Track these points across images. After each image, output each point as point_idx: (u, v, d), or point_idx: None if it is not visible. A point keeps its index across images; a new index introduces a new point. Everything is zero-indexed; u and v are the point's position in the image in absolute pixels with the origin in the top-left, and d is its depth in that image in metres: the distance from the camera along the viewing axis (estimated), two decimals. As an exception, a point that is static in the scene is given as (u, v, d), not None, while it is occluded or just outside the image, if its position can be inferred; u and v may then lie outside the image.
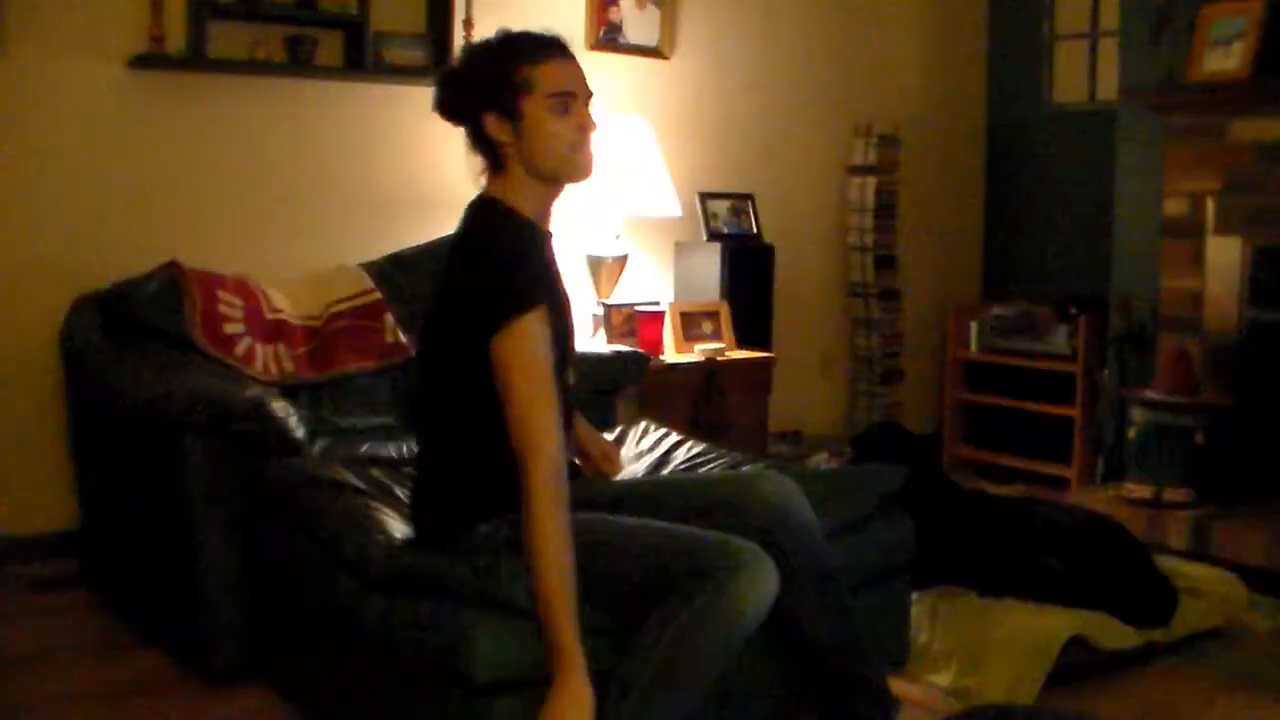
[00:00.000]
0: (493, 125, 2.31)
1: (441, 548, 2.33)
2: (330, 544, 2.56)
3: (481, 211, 2.38)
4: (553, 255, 2.42)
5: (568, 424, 2.44)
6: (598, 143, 2.38)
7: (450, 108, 2.37)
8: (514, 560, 2.18)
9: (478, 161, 2.38)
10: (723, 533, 2.22)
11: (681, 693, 2.12)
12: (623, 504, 2.42)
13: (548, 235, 2.41)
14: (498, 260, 2.26)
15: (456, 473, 2.35)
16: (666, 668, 2.10)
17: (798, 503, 2.42)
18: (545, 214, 2.40)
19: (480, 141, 2.35)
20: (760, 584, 2.14)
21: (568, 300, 2.43)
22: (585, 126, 2.33)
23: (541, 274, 2.29)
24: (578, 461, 2.62)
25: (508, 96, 2.28)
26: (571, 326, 2.46)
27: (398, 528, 2.52)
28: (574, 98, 2.32)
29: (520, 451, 2.17)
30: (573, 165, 2.34)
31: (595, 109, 2.38)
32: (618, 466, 2.71)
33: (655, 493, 2.50)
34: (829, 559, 2.42)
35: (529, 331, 2.20)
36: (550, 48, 2.32)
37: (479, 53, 2.38)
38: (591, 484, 2.58)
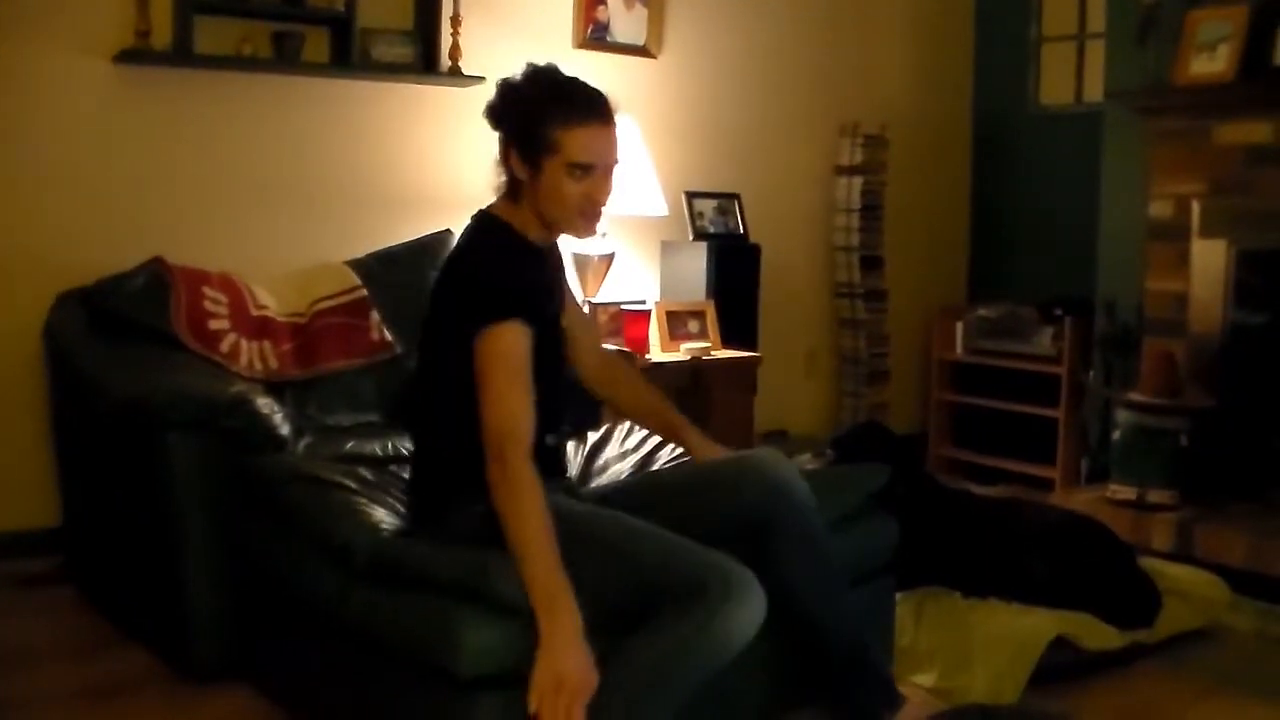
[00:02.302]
0: (514, 162, 2.36)
1: (437, 526, 2.37)
2: (316, 537, 2.55)
3: (480, 230, 2.44)
4: (558, 268, 2.58)
5: (553, 426, 2.48)
6: (609, 206, 2.44)
7: (495, 117, 2.40)
8: (502, 559, 2.17)
9: (498, 176, 2.43)
10: (719, 551, 2.21)
11: (667, 703, 2.13)
12: (614, 499, 2.42)
13: (551, 249, 2.52)
14: (483, 275, 2.34)
15: (450, 459, 2.38)
16: (654, 680, 2.10)
17: (796, 481, 2.45)
18: (549, 238, 2.50)
19: (506, 163, 2.40)
20: (750, 611, 2.14)
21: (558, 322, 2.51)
22: (595, 199, 2.36)
23: (526, 292, 2.34)
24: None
25: (533, 149, 2.32)
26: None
27: (383, 520, 2.52)
28: (594, 168, 2.33)
29: (497, 434, 2.20)
30: (574, 226, 2.41)
31: (618, 176, 2.42)
32: None
33: (652, 483, 2.53)
34: (826, 541, 2.46)
35: (504, 334, 2.26)
36: (588, 113, 2.32)
37: (527, 88, 2.37)
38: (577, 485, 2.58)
